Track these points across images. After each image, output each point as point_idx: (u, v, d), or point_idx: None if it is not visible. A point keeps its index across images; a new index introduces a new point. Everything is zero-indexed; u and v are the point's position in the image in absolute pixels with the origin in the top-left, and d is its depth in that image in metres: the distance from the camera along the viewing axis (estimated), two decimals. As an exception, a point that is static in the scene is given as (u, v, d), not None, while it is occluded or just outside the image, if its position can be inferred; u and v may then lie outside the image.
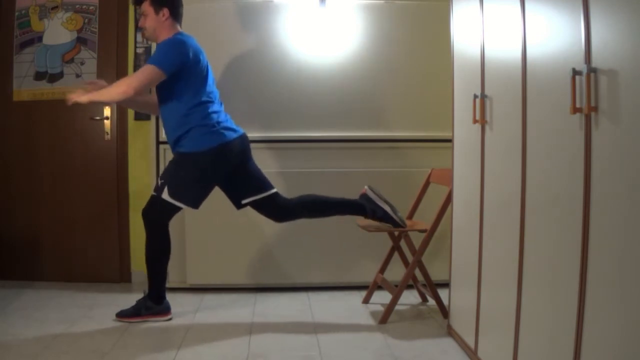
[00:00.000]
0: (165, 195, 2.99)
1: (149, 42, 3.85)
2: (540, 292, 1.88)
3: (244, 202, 3.16)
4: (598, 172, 1.53)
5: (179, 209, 3.06)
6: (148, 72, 2.92)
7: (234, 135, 3.05)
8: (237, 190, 3.16)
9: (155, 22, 3.07)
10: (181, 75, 2.97)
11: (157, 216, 3.06)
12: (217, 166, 3.04)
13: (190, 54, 2.97)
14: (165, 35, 3.07)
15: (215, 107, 3.07)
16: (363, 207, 3.17)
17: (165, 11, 3.05)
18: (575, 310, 1.61)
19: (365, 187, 3.22)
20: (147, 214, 3.08)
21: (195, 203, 3.07)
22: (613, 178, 1.46)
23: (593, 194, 1.55)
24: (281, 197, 3.19)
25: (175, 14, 3.10)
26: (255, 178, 3.16)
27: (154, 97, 3.18)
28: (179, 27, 3.13)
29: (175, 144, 3.06)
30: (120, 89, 2.92)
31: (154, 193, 3.06)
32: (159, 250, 3.08)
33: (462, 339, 2.69)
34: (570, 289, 1.64)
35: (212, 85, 3.11)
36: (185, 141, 3.01)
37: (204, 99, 3.02)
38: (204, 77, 3.04)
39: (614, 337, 1.45)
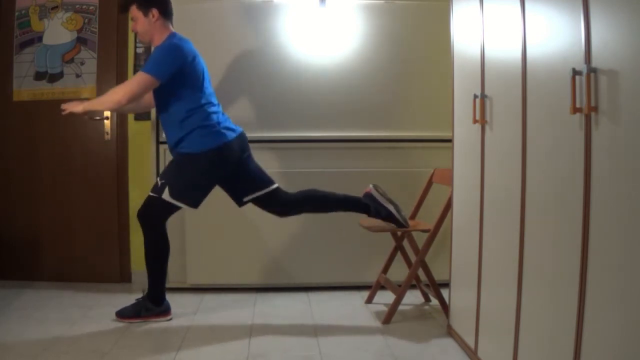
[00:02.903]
0: (165, 195, 2.98)
1: (149, 45, 3.85)
2: (540, 292, 1.88)
3: (245, 199, 3.17)
4: (598, 172, 1.53)
5: (177, 208, 3.06)
6: (142, 80, 2.91)
7: (233, 135, 3.05)
8: (238, 188, 3.16)
9: (146, 25, 3.05)
10: (178, 80, 2.96)
11: (155, 216, 3.05)
12: (218, 166, 3.04)
13: (186, 59, 2.96)
14: (159, 36, 3.06)
15: (213, 108, 3.07)
16: (367, 206, 3.17)
17: (155, 12, 3.04)
18: (575, 310, 1.61)
19: (370, 185, 3.22)
20: (144, 215, 3.06)
21: (195, 203, 3.07)
22: (613, 178, 1.46)
23: (593, 194, 1.55)
24: (283, 192, 3.18)
25: (165, 13, 3.08)
26: (255, 175, 3.16)
27: (149, 96, 3.17)
28: (171, 27, 3.11)
29: (175, 145, 3.05)
30: (114, 97, 2.92)
31: (151, 194, 3.05)
32: (158, 250, 3.08)
33: (462, 339, 2.69)
34: (570, 289, 1.64)
35: (209, 86, 3.11)
36: (186, 142, 3.00)
37: (202, 101, 3.02)
38: (200, 80, 3.03)
39: (614, 337, 1.45)
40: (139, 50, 3.88)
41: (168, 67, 2.93)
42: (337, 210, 3.24)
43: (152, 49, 3.32)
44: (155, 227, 3.05)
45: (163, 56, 2.96)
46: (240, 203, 3.19)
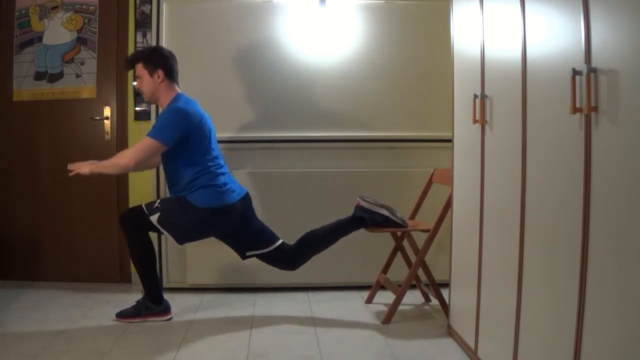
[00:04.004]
0: (154, 219, 2.98)
1: (149, 45, 3.86)
2: (540, 292, 1.88)
3: (248, 254, 3.17)
4: (598, 172, 1.53)
5: (161, 232, 3.06)
6: (149, 146, 2.91)
7: (237, 197, 3.05)
8: (241, 245, 3.16)
9: (151, 85, 3.05)
10: (185, 144, 2.96)
11: (138, 228, 3.03)
12: (218, 224, 3.05)
13: (192, 124, 2.96)
14: (164, 97, 3.06)
15: (221, 169, 3.07)
16: (362, 219, 3.16)
17: (160, 73, 3.03)
18: (575, 310, 1.61)
19: (358, 198, 3.21)
20: (127, 221, 3.04)
21: (181, 241, 3.07)
22: (613, 178, 1.46)
23: (593, 194, 1.55)
24: (287, 246, 3.17)
25: (171, 74, 3.07)
26: (258, 234, 3.16)
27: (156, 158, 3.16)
28: (177, 88, 3.10)
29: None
30: (122, 162, 2.94)
31: (143, 207, 3.03)
32: (144, 254, 3.07)
33: (462, 339, 2.69)
34: (570, 289, 1.64)
35: (216, 147, 3.11)
36: (191, 196, 2.99)
37: (210, 163, 3.02)
38: (208, 141, 3.03)
39: (614, 337, 1.45)
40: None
41: (174, 132, 2.93)
42: (340, 238, 3.22)
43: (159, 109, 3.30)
44: (137, 233, 3.04)
45: (169, 121, 2.95)
46: (243, 257, 3.20)
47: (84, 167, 2.97)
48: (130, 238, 3.05)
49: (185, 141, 2.96)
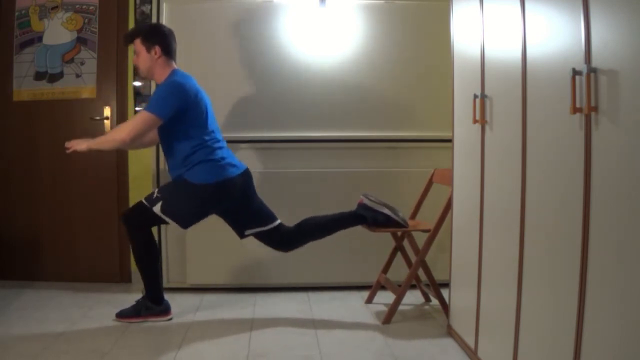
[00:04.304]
0: (157, 209, 2.98)
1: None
2: (540, 292, 1.88)
3: (247, 232, 3.17)
4: (598, 172, 1.53)
5: (165, 222, 3.05)
6: (145, 119, 2.90)
7: (237, 172, 3.05)
8: (239, 223, 3.16)
9: (148, 61, 3.04)
10: (181, 118, 2.96)
11: (141, 225, 3.04)
12: (218, 200, 3.04)
13: (188, 97, 2.95)
14: (160, 73, 3.06)
15: (218, 143, 3.06)
16: (363, 217, 3.16)
17: (157, 49, 3.03)
18: (575, 310, 1.61)
19: (361, 196, 3.22)
20: (129, 219, 3.04)
21: (185, 224, 3.06)
22: (613, 178, 1.46)
23: (593, 194, 1.55)
24: (285, 227, 3.18)
25: (168, 51, 3.06)
26: (258, 211, 3.15)
27: (153, 132, 3.13)
28: (174, 64, 3.10)
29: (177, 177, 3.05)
30: (118, 136, 2.93)
31: (143, 201, 3.03)
32: (146, 253, 3.07)
33: (462, 339, 2.69)
34: (570, 289, 1.64)
35: (213, 121, 3.10)
36: (189, 173, 2.99)
37: (207, 137, 3.01)
38: (204, 116, 3.02)
39: (614, 337, 1.45)
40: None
41: (170, 105, 2.92)
42: (337, 230, 3.23)
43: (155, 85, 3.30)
44: (140, 232, 3.04)
45: (165, 95, 2.94)
46: (241, 235, 3.19)
47: (81, 144, 2.98)
48: (133, 237, 3.05)
49: (181, 115, 2.95)
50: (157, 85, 3.11)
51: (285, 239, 3.17)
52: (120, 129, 2.96)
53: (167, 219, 3.00)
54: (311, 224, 3.19)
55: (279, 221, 3.18)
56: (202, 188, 2.98)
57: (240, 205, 3.11)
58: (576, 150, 1.61)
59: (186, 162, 3.00)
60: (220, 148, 3.06)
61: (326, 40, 3.70)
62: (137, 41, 3.05)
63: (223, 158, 3.03)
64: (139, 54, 3.06)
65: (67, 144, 3.01)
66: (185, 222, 3.05)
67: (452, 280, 2.86)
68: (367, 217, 3.15)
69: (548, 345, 1.81)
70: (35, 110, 3.93)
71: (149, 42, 3.03)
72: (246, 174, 3.11)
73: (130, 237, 3.06)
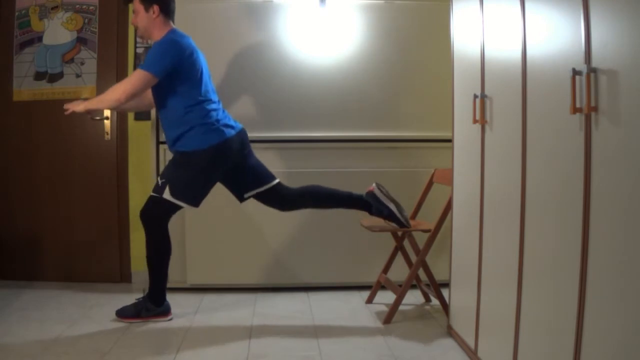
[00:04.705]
0: (166, 194, 2.98)
1: (149, 42, 3.85)
2: (540, 292, 1.88)
3: (246, 195, 3.17)
4: (598, 172, 1.53)
5: (179, 207, 3.05)
6: (140, 77, 2.91)
7: (233, 132, 3.05)
8: (239, 184, 3.16)
9: (146, 20, 3.05)
10: (176, 76, 2.96)
11: (157, 216, 3.05)
12: (218, 163, 3.04)
13: (183, 54, 2.95)
14: (157, 33, 3.06)
15: (213, 105, 3.06)
16: (369, 204, 3.16)
17: (156, 8, 3.03)
18: (575, 310, 1.61)
19: (374, 184, 3.21)
20: (146, 215, 3.06)
21: (196, 201, 3.07)
22: (613, 178, 1.46)
23: (593, 194, 1.55)
24: (284, 187, 3.19)
25: (167, 11, 3.07)
26: (256, 171, 3.16)
27: (148, 93, 3.17)
28: (172, 24, 3.10)
29: (174, 142, 3.05)
30: (113, 95, 2.94)
31: (153, 194, 3.05)
32: (160, 250, 3.08)
33: (462, 339, 2.69)
34: (570, 289, 1.64)
35: (208, 82, 3.10)
36: (185, 140, 3.00)
37: (202, 97, 3.01)
38: (199, 76, 3.02)
39: (614, 337, 1.45)
40: (139, 50, 3.88)
41: (165, 63, 2.92)
42: (338, 207, 3.24)
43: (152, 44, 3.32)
44: (157, 227, 3.05)
45: (160, 52, 2.95)
46: (241, 199, 3.20)
47: (78, 106, 3.01)
48: (150, 233, 3.05)
49: (175, 74, 2.95)
50: (153, 44, 3.11)
51: (285, 198, 3.17)
52: (116, 88, 2.97)
53: (178, 202, 3.01)
54: (313, 191, 3.19)
55: (277, 180, 3.18)
56: (198, 154, 2.98)
57: (238, 165, 3.10)
58: (576, 150, 1.61)
59: (180, 124, 3.00)
60: (215, 110, 3.05)
61: (326, 40, 3.70)
62: (136, 0, 3.06)
63: (218, 120, 3.02)
64: (138, 13, 3.06)
65: (66, 106, 3.04)
66: (195, 198, 3.05)
67: (452, 280, 2.86)
68: (372, 206, 3.15)
69: (548, 345, 1.81)
70: (35, 110, 3.93)
71: (147, 2, 3.04)
72: (242, 133, 3.11)
73: (146, 233, 3.07)
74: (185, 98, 2.99)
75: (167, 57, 2.93)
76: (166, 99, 3.03)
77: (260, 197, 3.18)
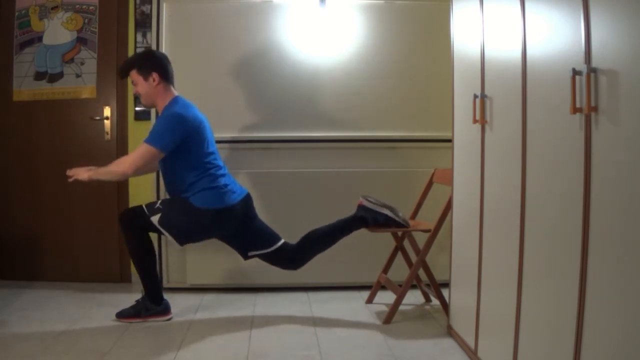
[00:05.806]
0: (155, 219, 2.99)
1: (149, 45, 3.86)
2: (540, 292, 1.88)
3: (250, 254, 3.18)
4: (598, 171, 1.53)
5: (161, 233, 3.07)
6: (146, 153, 2.92)
7: (238, 198, 3.06)
8: (242, 245, 3.17)
9: (147, 89, 3.04)
10: (183, 148, 2.96)
11: (138, 228, 3.04)
12: (219, 225, 3.06)
13: (190, 130, 2.95)
14: (161, 100, 3.06)
15: (221, 170, 3.07)
16: (364, 219, 3.15)
17: (155, 76, 3.03)
18: (575, 310, 1.61)
19: (360, 197, 3.21)
20: (126, 222, 3.04)
21: (182, 242, 3.08)
22: (613, 178, 1.46)
23: (593, 194, 1.55)
24: (289, 246, 3.18)
25: (166, 77, 3.06)
26: (260, 234, 3.16)
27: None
28: (173, 90, 3.10)
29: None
30: (119, 169, 2.96)
31: (144, 207, 3.04)
32: (143, 252, 3.07)
33: (462, 339, 2.69)
34: (570, 289, 1.64)
35: (213, 147, 3.11)
36: (193, 198, 3.00)
37: (209, 165, 3.02)
38: (206, 144, 3.03)
39: (614, 337, 1.45)
40: (139, 51, 3.88)
41: (172, 138, 2.93)
42: (341, 238, 3.22)
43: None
44: (136, 232, 3.04)
45: (166, 128, 2.94)
46: (245, 257, 3.20)
47: (82, 173, 2.99)
48: (129, 237, 3.05)
49: (183, 146, 2.96)
50: (157, 115, 3.11)
51: (290, 258, 3.18)
52: (122, 161, 2.99)
53: (163, 232, 3.02)
54: (313, 238, 3.19)
55: (282, 241, 3.17)
56: (203, 212, 2.98)
57: (241, 229, 3.12)
58: (576, 150, 1.61)
59: (189, 190, 3.01)
60: (223, 175, 3.07)
61: (326, 40, 3.70)
62: (133, 72, 3.05)
63: (226, 185, 3.04)
64: (137, 83, 3.06)
65: (69, 172, 3.01)
66: (182, 239, 3.07)
67: (452, 280, 2.86)
68: (367, 218, 3.14)
69: (548, 345, 1.81)
70: (35, 110, 3.93)
71: (145, 70, 3.03)
72: (247, 199, 3.12)
73: (125, 237, 3.06)
74: (194, 168, 2.99)
75: (174, 133, 2.93)
76: (174, 170, 3.03)
77: (265, 258, 3.18)
